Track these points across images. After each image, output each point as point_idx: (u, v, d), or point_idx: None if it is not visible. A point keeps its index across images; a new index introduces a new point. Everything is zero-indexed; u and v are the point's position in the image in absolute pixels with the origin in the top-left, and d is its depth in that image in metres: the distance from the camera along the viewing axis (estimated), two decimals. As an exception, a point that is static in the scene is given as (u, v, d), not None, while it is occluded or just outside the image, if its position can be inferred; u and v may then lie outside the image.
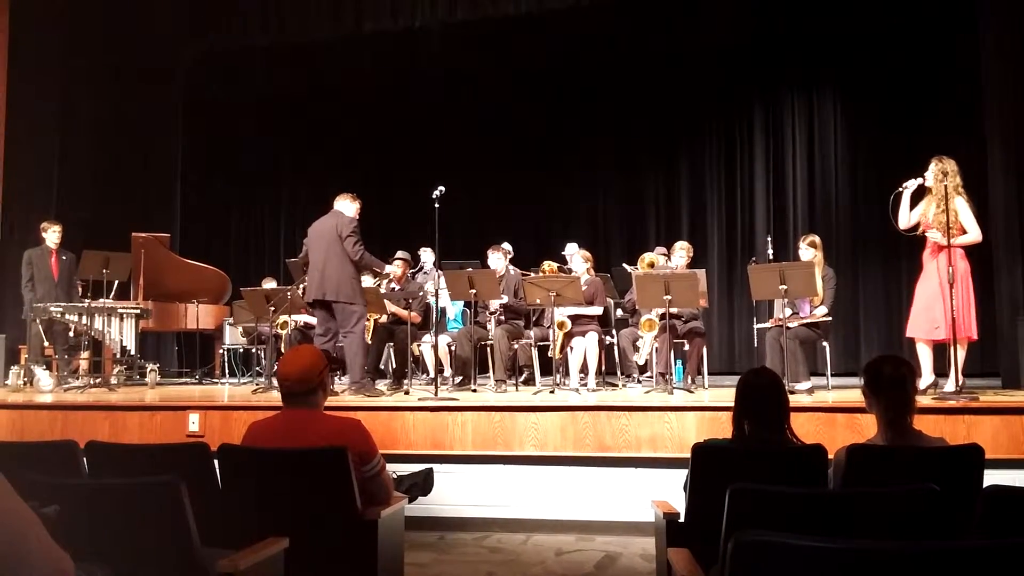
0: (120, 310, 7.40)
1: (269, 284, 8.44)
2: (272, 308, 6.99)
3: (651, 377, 6.71)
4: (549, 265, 7.48)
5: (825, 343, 6.29)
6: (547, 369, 7.37)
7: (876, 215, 7.68)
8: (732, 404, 2.89)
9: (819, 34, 9.68)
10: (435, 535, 4.65)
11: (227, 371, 9.14)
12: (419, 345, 7.55)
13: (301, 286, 7.57)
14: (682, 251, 6.79)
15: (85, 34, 9.13)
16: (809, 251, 6.21)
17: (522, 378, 7.19)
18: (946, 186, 5.30)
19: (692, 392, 6.08)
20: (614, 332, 7.41)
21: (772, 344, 6.17)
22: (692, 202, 10.68)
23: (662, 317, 6.30)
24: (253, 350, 8.77)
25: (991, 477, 2.43)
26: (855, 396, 4.71)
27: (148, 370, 7.87)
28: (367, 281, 6.93)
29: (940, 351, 5.54)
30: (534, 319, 7.12)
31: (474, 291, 6.49)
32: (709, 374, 7.10)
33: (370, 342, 6.75)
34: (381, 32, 9.16)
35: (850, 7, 9.15)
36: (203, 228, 11.24)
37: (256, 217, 11.92)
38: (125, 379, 7.60)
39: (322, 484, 2.68)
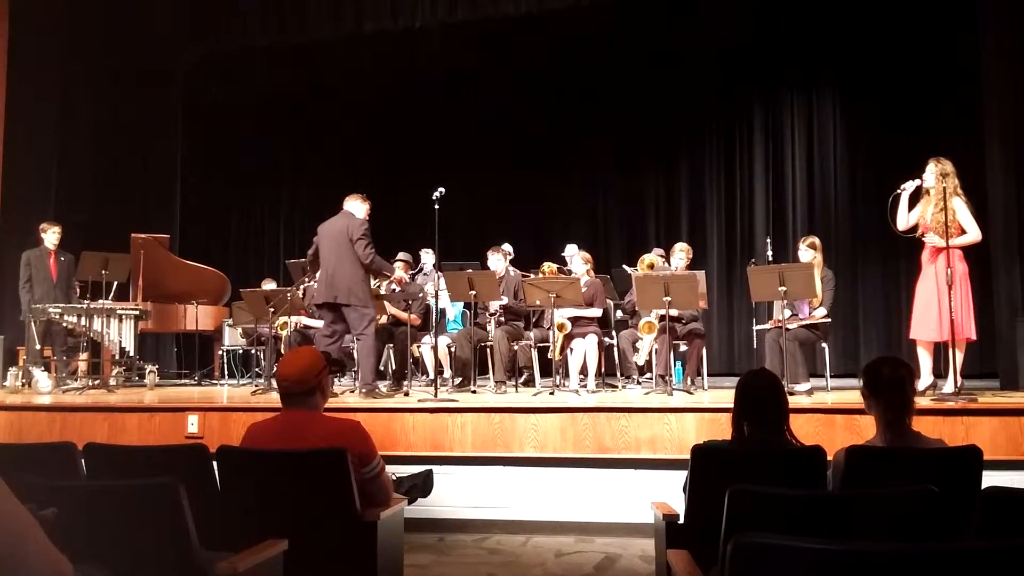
0: (119, 311, 7.40)
1: (269, 285, 8.45)
2: (272, 309, 6.99)
3: (651, 378, 6.71)
4: (549, 266, 7.48)
5: (824, 344, 6.29)
6: (547, 370, 7.37)
7: (875, 216, 7.67)
8: (731, 405, 2.89)
9: (819, 34, 9.69)
10: (435, 537, 4.64)
11: (226, 372, 9.14)
12: (419, 346, 7.55)
13: (301, 287, 7.58)
14: (681, 253, 6.78)
15: (84, 36, 9.13)
16: (809, 252, 6.22)
17: (522, 379, 7.19)
18: (945, 187, 5.30)
19: (692, 393, 6.07)
20: (614, 333, 7.41)
21: (771, 345, 6.17)
22: (692, 203, 10.69)
23: (661, 319, 6.30)
24: (252, 351, 8.77)
25: (990, 478, 2.44)
26: (854, 397, 4.71)
27: (147, 371, 7.87)
28: (367, 282, 6.92)
29: (939, 352, 5.54)
30: (534, 320, 7.12)
31: (474, 292, 6.49)
32: (709, 375, 7.10)
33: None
34: (381, 32, 9.17)
35: (850, 7, 9.15)
36: (202, 229, 11.24)
37: (255, 218, 11.92)
38: (124, 380, 7.58)
39: (321, 486, 2.68)
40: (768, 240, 7.56)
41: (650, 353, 6.58)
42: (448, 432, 5.01)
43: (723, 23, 9.57)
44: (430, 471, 4.31)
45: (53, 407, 5.72)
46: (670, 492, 3.57)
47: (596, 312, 7.05)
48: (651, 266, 7.10)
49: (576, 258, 7.40)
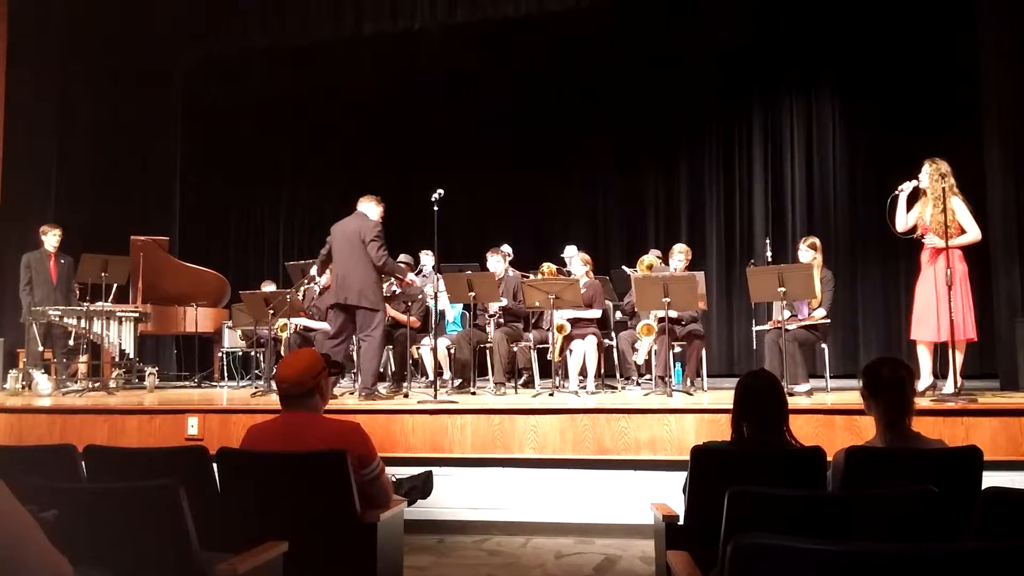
0: (119, 313, 7.41)
1: (268, 287, 8.45)
2: (271, 311, 6.98)
3: (650, 380, 6.71)
4: (548, 267, 7.48)
5: (824, 345, 6.29)
6: (546, 372, 7.37)
7: (875, 216, 7.68)
8: (731, 406, 2.89)
9: (818, 34, 9.69)
10: (434, 538, 4.65)
11: (226, 374, 9.14)
12: (418, 348, 7.55)
13: (301, 289, 7.58)
14: (680, 254, 6.76)
15: (84, 37, 9.12)
16: (809, 253, 6.22)
17: (521, 381, 7.19)
18: (944, 187, 5.31)
19: (691, 394, 6.07)
20: (613, 335, 7.41)
21: (771, 346, 6.17)
22: (691, 203, 10.69)
23: (660, 321, 6.30)
24: (252, 353, 8.76)
25: (989, 479, 2.44)
26: (854, 398, 4.71)
27: (147, 374, 7.86)
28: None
29: (939, 352, 5.54)
30: (533, 322, 7.12)
31: (473, 294, 6.49)
32: (708, 376, 7.10)
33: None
34: (381, 33, 9.17)
35: (849, 7, 9.15)
36: (202, 231, 11.24)
37: (255, 220, 11.92)
38: (124, 383, 7.57)
39: (321, 487, 2.68)
40: (767, 241, 7.56)
41: (649, 353, 6.58)
42: (448, 434, 5.01)
43: (722, 24, 9.57)
44: (430, 473, 4.31)
45: (53, 409, 5.72)
46: (670, 493, 3.57)
47: (595, 313, 7.05)
48: (650, 267, 7.11)
49: (575, 259, 7.40)
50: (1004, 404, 4.82)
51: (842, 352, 9.25)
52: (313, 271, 7.55)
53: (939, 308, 5.30)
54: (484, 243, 7.79)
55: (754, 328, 7.14)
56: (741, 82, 10.40)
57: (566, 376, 7.00)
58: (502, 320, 7.03)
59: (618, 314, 7.76)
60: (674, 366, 6.68)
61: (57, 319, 7.22)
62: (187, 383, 9.15)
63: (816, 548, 1.51)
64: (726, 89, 10.44)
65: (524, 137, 10.82)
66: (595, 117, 10.79)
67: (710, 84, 10.42)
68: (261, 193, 11.81)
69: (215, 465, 2.81)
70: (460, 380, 7.01)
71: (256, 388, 7.23)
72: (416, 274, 8.29)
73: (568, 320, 6.84)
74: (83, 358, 7.68)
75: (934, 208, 5.41)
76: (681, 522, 2.80)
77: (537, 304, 6.53)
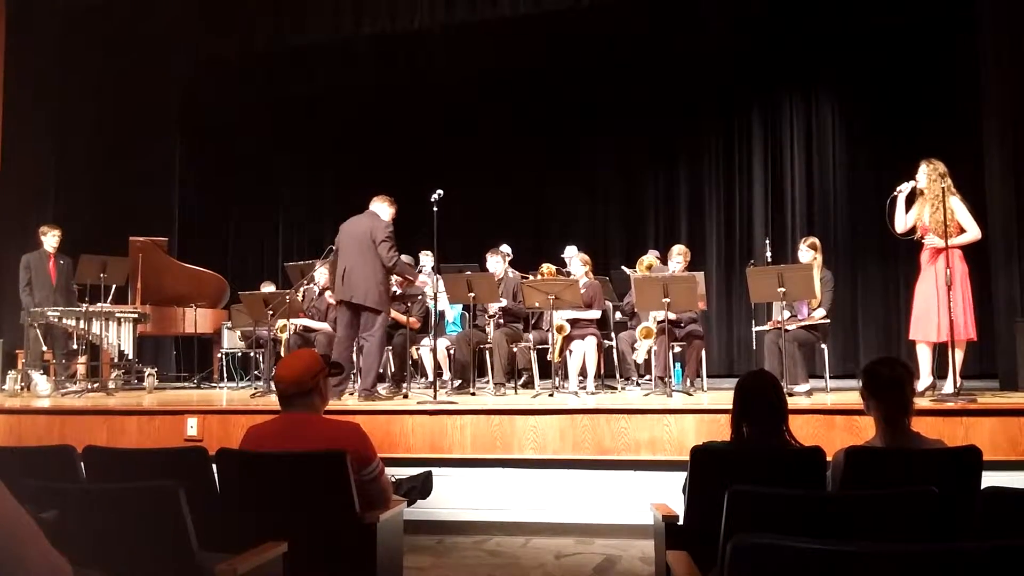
0: (118, 314, 7.40)
1: (267, 288, 8.44)
2: (270, 312, 6.98)
3: (650, 380, 6.71)
4: (548, 267, 7.48)
5: (823, 345, 6.29)
6: (546, 372, 7.37)
7: (874, 217, 7.67)
8: (731, 407, 2.89)
9: (818, 35, 9.69)
10: (434, 539, 4.64)
11: (225, 375, 9.13)
12: (418, 349, 7.55)
13: (301, 290, 7.58)
14: (679, 256, 6.75)
15: (83, 38, 9.12)
16: (809, 253, 6.22)
17: (521, 381, 7.18)
18: (944, 187, 5.31)
19: (691, 395, 6.07)
20: (613, 335, 7.41)
21: (771, 346, 6.17)
22: (691, 203, 10.69)
23: (659, 323, 6.30)
24: (251, 354, 8.75)
25: (989, 479, 2.43)
26: (853, 398, 4.71)
27: (146, 374, 7.86)
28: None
29: (939, 352, 5.55)
30: (533, 322, 7.12)
31: (472, 294, 6.49)
32: (708, 377, 7.10)
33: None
34: (380, 34, 9.17)
35: (849, 7, 9.16)
36: (201, 231, 11.23)
37: (254, 220, 11.90)
38: (123, 384, 7.57)
39: (321, 488, 2.68)
40: (767, 241, 7.56)
41: (648, 353, 6.58)
42: (447, 434, 5.01)
43: (722, 24, 9.57)
44: (429, 473, 4.30)
45: (52, 410, 5.72)
46: (669, 493, 3.57)
47: (595, 314, 7.05)
48: (650, 267, 7.11)
49: (575, 260, 7.40)
50: (1003, 404, 4.82)
51: (842, 352, 9.25)
52: (316, 273, 7.55)
53: (939, 308, 5.31)
54: (484, 243, 7.79)
55: (754, 328, 7.14)
56: (741, 82, 10.39)
57: (566, 377, 7.00)
58: (502, 321, 7.03)
59: (618, 314, 7.76)
60: (674, 366, 6.68)
61: (56, 320, 7.22)
62: (186, 384, 9.15)
63: (816, 548, 1.51)
64: (726, 89, 10.44)
65: (524, 137, 10.81)
66: (595, 117, 10.80)
67: (710, 84, 10.42)
68: (260, 193, 11.80)
69: (215, 466, 2.81)
70: (460, 381, 7.01)
71: (255, 389, 7.23)
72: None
73: (568, 320, 6.84)
74: (82, 359, 7.68)
75: (932, 208, 5.42)
76: (681, 522, 2.80)
77: (537, 304, 6.53)
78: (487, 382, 7.11)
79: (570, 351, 6.89)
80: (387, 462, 3.10)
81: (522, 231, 10.15)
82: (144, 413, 5.46)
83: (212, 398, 6.75)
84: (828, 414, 4.76)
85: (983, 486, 2.20)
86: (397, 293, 7.26)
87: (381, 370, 7.53)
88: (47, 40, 8.75)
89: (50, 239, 7.60)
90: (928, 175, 5.45)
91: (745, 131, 10.52)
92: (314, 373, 2.83)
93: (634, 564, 4.16)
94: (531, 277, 7.36)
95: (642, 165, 10.86)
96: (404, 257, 7.68)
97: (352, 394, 6.22)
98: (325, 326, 7.50)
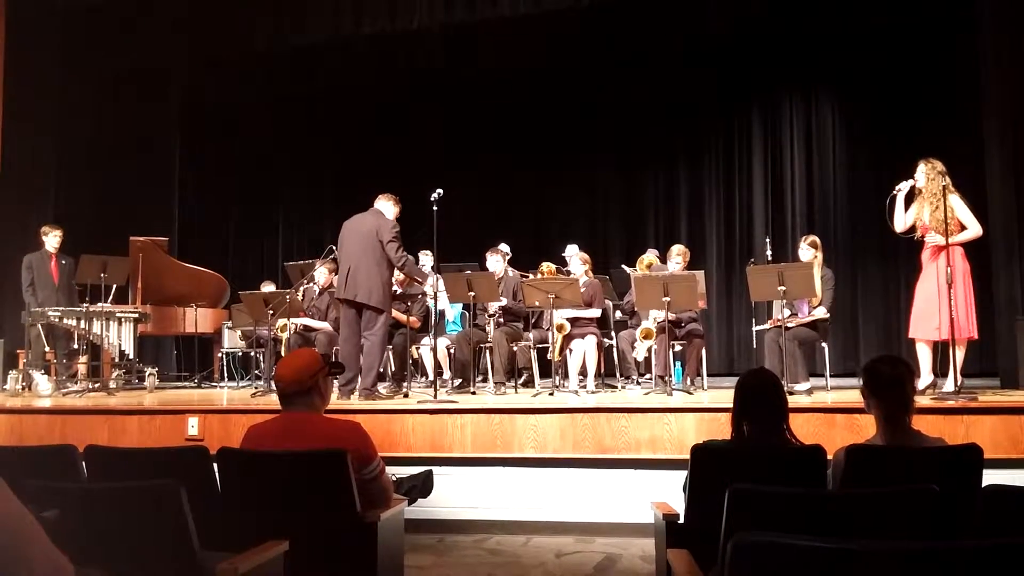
0: (119, 314, 7.40)
1: (268, 288, 8.44)
2: (271, 311, 6.99)
3: (650, 379, 6.71)
4: (548, 266, 7.48)
5: (824, 344, 6.29)
6: (546, 371, 7.38)
7: (874, 216, 7.67)
8: (731, 405, 2.89)
9: (817, 35, 9.68)
10: (435, 537, 4.65)
11: (226, 375, 9.13)
12: (418, 348, 7.55)
13: (301, 289, 7.58)
14: (678, 256, 6.75)
15: (83, 37, 9.12)
16: (809, 251, 6.23)
17: (521, 380, 7.19)
18: (944, 186, 5.32)
19: (691, 393, 6.08)
20: (613, 334, 7.41)
21: (771, 345, 6.18)
22: (691, 203, 10.68)
23: (659, 322, 6.30)
24: (252, 354, 8.76)
25: (990, 477, 2.43)
26: (854, 397, 4.72)
27: (147, 374, 7.87)
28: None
29: (939, 351, 5.55)
30: (533, 321, 7.12)
31: (472, 294, 6.49)
32: (708, 375, 7.10)
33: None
34: (380, 34, 9.16)
35: (849, 7, 9.15)
36: (201, 231, 11.23)
37: (255, 220, 11.90)
38: (124, 383, 7.58)
39: (321, 487, 2.68)
40: (767, 240, 7.56)
41: (649, 352, 6.59)
42: (448, 433, 5.01)
43: (722, 24, 9.56)
44: (430, 472, 4.31)
45: (53, 410, 5.72)
46: (670, 492, 3.57)
47: (595, 313, 7.06)
48: (649, 266, 7.11)
49: (575, 259, 7.40)
50: (1004, 402, 4.82)
51: (842, 351, 9.26)
52: (317, 273, 7.55)
53: (940, 306, 5.31)
54: (483, 243, 7.79)
55: (754, 327, 7.14)
56: (741, 81, 10.39)
57: (566, 375, 7.00)
58: (502, 320, 7.03)
59: (618, 313, 7.76)
60: (674, 365, 6.68)
61: (57, 320, 7.22)
62: (187, 383, 9.15)
63: (816, 546, 1.51)
64: (726, 88, 10.43)
65: (524, 136, 10.81)
66: (595, 116, 10.79)
67: (710, 83, 10.41)
68: (261, 193, 11.79)
69: (215, 465, 2.81)
70: (460, 380, 7.01)
71: (256, 388, 7.23)
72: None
73: (568, 319, 6.84)
74: (83, 359, 7.68)
75: (932, 207, 5.42)
76: (681, 521, 2.80)
77: (537, 304, 6.54)
78: (487, 381, 7.12)
79: (570, 350, 6.89)
80: (388, 461, 3.10)
81: (522, 230, 10.15)
82: (145, 413, 5.46)
83: (213, 398, 6.76)
84: (828, 412, 4.76)
85: (984, 484, 2.20)
86: (397, 292, 7.26)
87: (381, 369, 7.56)
88: (47, 40, 8.75)
89: (52, 239, 7.60)
90: (926, 174, 5.47)
91: (745, 131, 10.52)
92: (314, 372, 2.84)
93: (635, 563, 4.16)
94: (531, 276, 7.36)
95: (642, 165, 10.85)
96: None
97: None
98: (325, 325, 7.50)
